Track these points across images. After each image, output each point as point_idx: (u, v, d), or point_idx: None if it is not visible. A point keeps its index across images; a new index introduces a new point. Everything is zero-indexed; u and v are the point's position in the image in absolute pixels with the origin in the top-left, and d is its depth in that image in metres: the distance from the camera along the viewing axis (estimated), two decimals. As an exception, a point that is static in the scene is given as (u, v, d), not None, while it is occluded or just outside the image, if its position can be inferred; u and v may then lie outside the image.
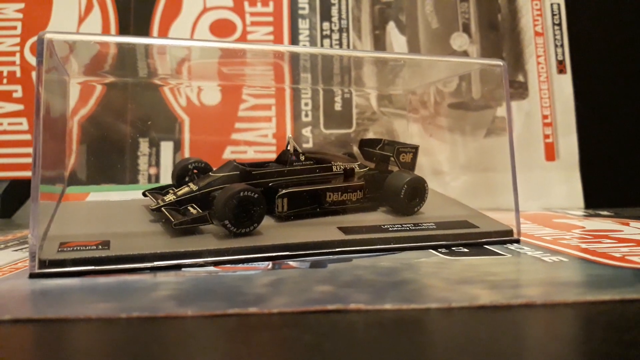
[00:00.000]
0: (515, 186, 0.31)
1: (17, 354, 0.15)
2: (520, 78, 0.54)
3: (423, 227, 0.29)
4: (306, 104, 0.53)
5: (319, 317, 0.17)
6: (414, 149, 0.34)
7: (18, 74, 0.52)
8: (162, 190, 0.31)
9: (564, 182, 0.53)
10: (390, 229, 0.28)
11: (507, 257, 0.25)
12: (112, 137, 0.52)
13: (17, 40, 0.53)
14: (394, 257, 0.26)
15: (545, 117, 0.53)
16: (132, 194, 0.33)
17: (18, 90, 0.52)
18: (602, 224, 0.37)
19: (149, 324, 0.17)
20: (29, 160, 0.51)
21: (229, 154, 0.52)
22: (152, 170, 0.52)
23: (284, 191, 0.29)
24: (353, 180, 0.31)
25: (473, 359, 0.14)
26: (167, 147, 0.52)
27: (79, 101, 0.50)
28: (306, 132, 0.52)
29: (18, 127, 0.52)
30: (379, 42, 0.54)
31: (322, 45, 0.54)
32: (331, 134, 0.53)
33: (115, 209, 0.30)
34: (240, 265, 0.24)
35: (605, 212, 0.46)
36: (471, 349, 0.15)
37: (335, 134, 0.53)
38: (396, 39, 0.54)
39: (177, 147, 0.52)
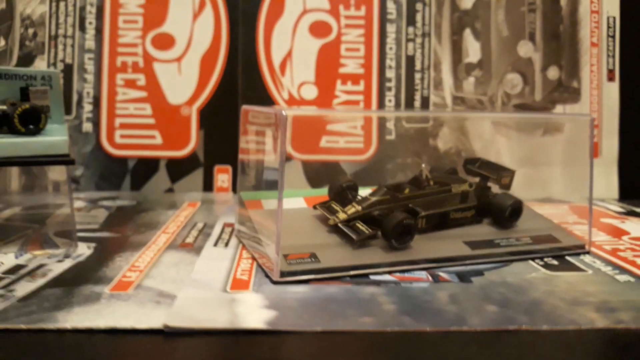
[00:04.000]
0: (591, 209, 0.41)
1: None
2: (575, 84, 0.62)
3: (523, 242, 0.39)
4: (390, 101, 0.61)
5: (504, 335, 0.27)
6: (512, 173, 0.44)
7: (141, 64, 0.60)
8: (326, 204, 0.40)
9: (603, 177, 0.63)
10: (501, 244, 0.38)
11: (590, 274, 0.35)
12: (225, 125, 0.60)
13: (139, 33, 0.60)
14: (511, 271, 0.35)
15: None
16: (293, 201, 0.42)
17: (141, 79, 0.60)
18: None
19: (406, 337, 0.26)
20: (152, 141, 0.60)
21: (324, 142, 0.61)
22: (259, 154, 0.60)
23: (424, 213, 0.38)
24: (468, 201, 0.41)
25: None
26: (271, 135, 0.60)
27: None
28: (390, 125, 0.61)
29: (142, 111, 0.60)
30: (456, 47, 0.62)
31: (406, 49, 0.61)
32: (411, 127, 0.61)
33: (295, 219, 0.39)
34: (407, 275, 0.34)
35: (638, 209, 0.56)
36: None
37: (414, 128, 0.61)
38: (471, 45, 0.62)
39: (280, 134, 0.60)
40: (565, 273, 0.36)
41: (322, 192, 0.44)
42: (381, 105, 0.61)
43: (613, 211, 0.55)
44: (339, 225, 0.37)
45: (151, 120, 0.60)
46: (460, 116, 0.41)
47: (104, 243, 0.40)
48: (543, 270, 0.36)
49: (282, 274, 0.33)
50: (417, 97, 0.61)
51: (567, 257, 0.39)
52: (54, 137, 0.38)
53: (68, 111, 0.59)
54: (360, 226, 0.37)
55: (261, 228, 0.38)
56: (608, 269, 0.37)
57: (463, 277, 0.34)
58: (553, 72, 0.62)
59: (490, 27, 0.62)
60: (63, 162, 0.37)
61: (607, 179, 0.63)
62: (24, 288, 0.31)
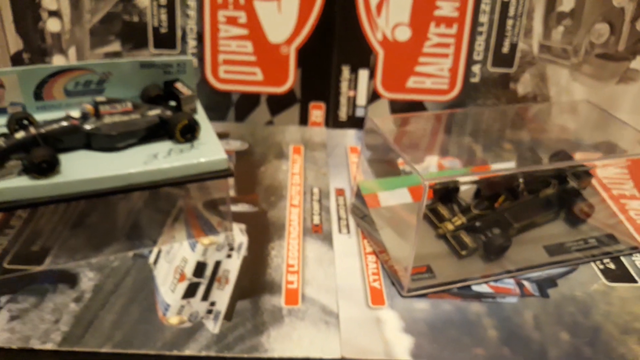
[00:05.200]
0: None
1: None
2: (661, 36, 0.64)
3: (589, 244, 0.48)
4: (479, 45, 0.64)
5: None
6: (591, 178, 0.50)
7: (242, 2, 0.61)
8: (432, 206, 0.48)
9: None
10: (572, 248, 0.48)
11: (639, 287, 0.45)
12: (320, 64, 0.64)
13: (239, -32, 0.60)
14: (577, 280, 0.45)
15: (669, 70, 0.65)
16: (399, 194, 0.50)
17: (242, 17, 0.62)
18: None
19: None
20: (254, 77, 0.64)
21: (411, 83, 0.65)
22: (351, 93, 0.66)
23: (518, 225, 0.47)
24: (552, 204, 0.49)
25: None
26: (363, 75, 0.65)
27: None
28: (475, 69, 0.65)
29: (244, 49, 0.63)
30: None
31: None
32: (495, 72, 0.65)
33: (405, 220, 0.48)
34: (499, 285, 0.44)
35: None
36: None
37: (498, 72, 0.65)
38: (567, -6, 0.62)
39: (372, 74, 0.65)
40: (620, 284, 0.46)
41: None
42: (471, 48, 0.64)
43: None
44: (447, 235, 0.46)
45: (252, 58, 0.63)
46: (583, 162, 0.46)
47: (250, 223, 0.50)
48: (603, 279, 0.46)
49: (409, 291, 0.43)
50: (506, 43, 0.64)
51: (623, 259, 0.49)
52: (214, 156, 0.44)
53: (172, 46, 0.62)
54: (465, 237, 0.46)
55: (383, 227, 0.47)
56: (656, 278, 0.47)
57: (542, 289, 0.45)
58: (642, 23, 0.63)
59: (590, -27, 0.61)
60: (225, 176, 0.45)
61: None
62: (219, 300, 0.42)
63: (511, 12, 0.62)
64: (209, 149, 0.45)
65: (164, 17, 0.61)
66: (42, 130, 0.42)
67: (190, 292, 0.42)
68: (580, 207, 0.49)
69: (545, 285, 0.45)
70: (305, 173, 0.57)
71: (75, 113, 0.44)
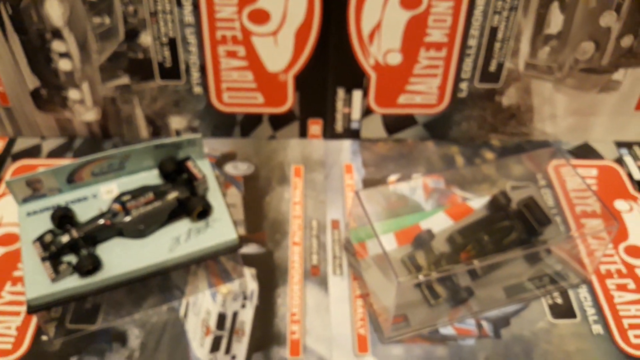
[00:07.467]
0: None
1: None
2: (644, 51, 0.66)
3: (543, 281, 0.57)
4: (467, 65, 0.67)
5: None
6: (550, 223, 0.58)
7: (239, 38, 0.64)
8: (410, 256, 0.57)
9: None
10: (527, 287, 0.57)
11: (577, 323, 0.55)
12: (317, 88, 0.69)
13: (235, 8, 0.62)
14: (527, 318, 0.54)
15: (649, 80, 0.69)
16: (385, 240, 0.58)
17: (241, 51, 0.65)
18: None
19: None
20: (255, 101, 0.70)
21: (402, 99, 0.70)
22: (346, 110, 0.71)
23: (481, 274, 0.55)
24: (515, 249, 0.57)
25: None
26: (357, 95, 0.69)
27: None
28: (462, 85, 0.69)
29: (245, 78, 0.67)
30: (540, 19, 0.63)
31: (491, 20, 0.63)
32: (482, 87, 0.69)
33: (386, 269, 0.56)
34: (462, 326, 0.55)
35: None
36: None
37: (485, 88, 0.69)
38: (555, 18, 0.63)
39: (365, 94, 0.69)
40: (561, 321, 0.56)
41: (411, 221, 0.60)
42: (459, 68, 0.67)
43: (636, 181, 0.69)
44: (422, 285, 0.56)
45: (253, 85, 0.68)
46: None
47: (258, 267, 0.59)
48: (548, 316, 0.56)
49: (388, 338, 0.54)
50: (493, 63, 0.67)
51: (570, 292, 0.58)
52: (227, 237, 0.53)
53: (177, 76, 0.67)
54: (436, 287, 0.56)
55: (369, 272, 0.57)
56: (591, 313, 0.57)
57: (496, 329, 0.55)
58: (627, 40, 0.65)
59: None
60: (236, 250, 0.54)
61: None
62: (239, 352, 0.53)
63: (499, 36, 0.64)
64: (222, 226, 0.53)
65: (167, 53, 0.65)
66: (82, 234, 0.50)
67: (215, 345, 0.54)
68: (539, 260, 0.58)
69: (499, 325, 0.56)
70: (305, 201, 0.66)
71: (106, 201, 0.52)
